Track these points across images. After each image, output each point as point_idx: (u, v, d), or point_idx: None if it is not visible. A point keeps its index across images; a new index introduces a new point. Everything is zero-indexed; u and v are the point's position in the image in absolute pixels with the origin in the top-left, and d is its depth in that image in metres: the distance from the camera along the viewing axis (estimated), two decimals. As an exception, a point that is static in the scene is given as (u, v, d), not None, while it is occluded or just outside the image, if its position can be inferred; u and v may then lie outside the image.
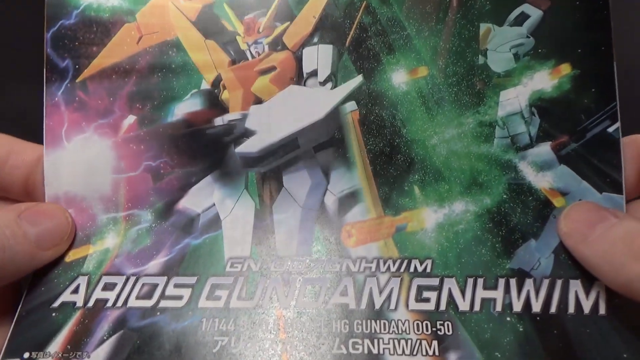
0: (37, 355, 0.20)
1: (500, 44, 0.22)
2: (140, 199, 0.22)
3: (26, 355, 0.20)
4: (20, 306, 0.21)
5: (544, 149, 0.21)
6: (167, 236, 0.22)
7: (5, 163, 0.22)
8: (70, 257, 0.21)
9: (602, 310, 0.19)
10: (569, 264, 0.20)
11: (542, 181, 0.21)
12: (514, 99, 0.22)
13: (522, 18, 0.22)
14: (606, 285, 0.19)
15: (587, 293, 0.20)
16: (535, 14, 0.22)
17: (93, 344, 0.20)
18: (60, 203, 0.22)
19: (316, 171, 0.22)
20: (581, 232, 0.19)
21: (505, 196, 0.21)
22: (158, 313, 0.21)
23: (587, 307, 0.20)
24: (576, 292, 0.20)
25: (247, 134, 0.22)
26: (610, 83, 0.21)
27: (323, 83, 0.23)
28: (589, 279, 0.20)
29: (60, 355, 0.20)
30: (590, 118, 0.21)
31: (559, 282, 0.20)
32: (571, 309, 0.20)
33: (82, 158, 0.22)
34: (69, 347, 0.20)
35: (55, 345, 0.20)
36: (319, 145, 0.22)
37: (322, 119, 0.22)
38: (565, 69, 0.22)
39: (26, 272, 0.21)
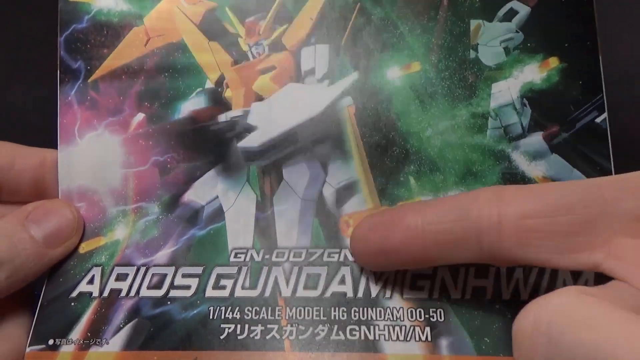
0: (60, 342, 0.21)
1: (491, 38, 0.23)
2: (148, 192, 0.23)
3: (50, 342, 0.21)
4: (42, 296, 0.22)
5: (536, 139, 0.22)
6: (174, 228, 0.23)
7: (11, 168, 0.23)
8: (83, 248, 0.23)
9: None
10: None
11: (535, 170, 0.22)
12: (505, 90, 0.22)
13: (511, 14, 0.23)
14: None
15: (576, 280, 0.20)
16: (523, 10, 0.23)
17: (111, 331, 0.21)
18: (73, 197, 0.23)
19: (314, 164, 0.23)
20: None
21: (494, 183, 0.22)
22: (168, 302, 0.22)
23: None
24: (564, 280, 0.20)
25: (249, 129, 0.23)
26: (596, 75, 0.22)
27: (320, 80, 0.24)
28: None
29: (81, 342, 0.21)
30: (578, 109, 0.22)
31: (547, 271, 0.21)
32: None
33: (93, 154, 0.23)
34: (89, 334, 0.21)
35: (77, 333, 0.21)
36: (317, 139, 0.23)
37: (319, 114, 0.23)
38: (554, 62, 0.22)
39: (41, 271, 0.22)
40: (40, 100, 0.29)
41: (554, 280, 0.20)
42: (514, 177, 0.22)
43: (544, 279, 0.20)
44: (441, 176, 0.22)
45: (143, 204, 0.23)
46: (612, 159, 0.21)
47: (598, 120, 0.22)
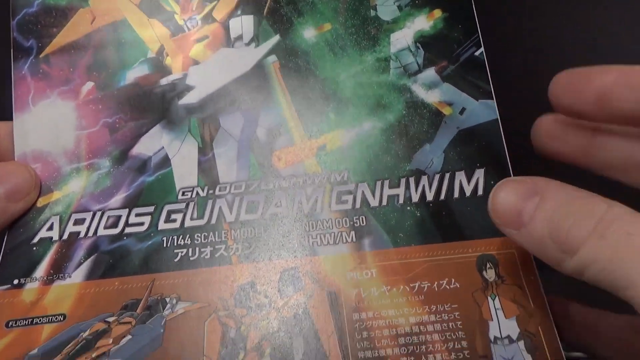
0: (25, 280, 0.23)
1: (386, 0, 0.28)
2: (99, 150, 0.26)
3: (15, 281, 0.23)
4: (3, 245, 0.24)
5: (430, 73, 0.26)
6: (125, 177, 0.25)
7: None
8: (40, 202, 0.25)
9: (480, 192, 0.24)
10: (456, 160, 0.25)
11: (431, 97, 0.26)
12: (402, 38, 0.27)
13: (399, -22, 0.28)
14: None
15: (469, 180, 0.24)
16: (408, -28, 0.28)
17: (72, 266, 0.23)
18: (28, 160, 0.25)
19: (248, 113, 0.26)
20: (510, 225, 0.19)
21: (404, 112, 0.26)
22: (125, 237, 0.24)
23: (468, 191, 0.24)
24: (460, 181, 0.24)
25: (188, 88, 0.27)
26: (472, 20, 0.27)
27: (248, 44, 0.27)
28: (471, 169, 0.24)
29: (45, 278, 0.23)
30: (460, 46, 0.26)
31: (447, 175, 0.25)
32: (456, 194, 0.24)
33: (47, 119, 0.26)
34: (51, 271, 0.23)
35: (40, 271, 0.23)
36: (248, 91, 0.27)
37: (249, 71, 0.27)
38: (438, 13, 0.27)
39: (4, 224, 0.24)
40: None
41: (452, 182, 0.24)
42: (416, 105, 0.26)
43: (444, 182, 0.24)
44: (356, 110, 0.26)
45: (95, 160, 0.26)
46: (490, 82, 0.26)
47: (477, 53, 0.26)
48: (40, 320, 0.22)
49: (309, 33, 0.27)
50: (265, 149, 0.26)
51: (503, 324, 0.21)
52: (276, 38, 0.27)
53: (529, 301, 0.22)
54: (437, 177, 0.25)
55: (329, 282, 0.23)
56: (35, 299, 0.23)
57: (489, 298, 0.22)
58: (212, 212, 0.24)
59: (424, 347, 0.21)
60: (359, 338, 0.21)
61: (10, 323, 0.22)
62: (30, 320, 0.22)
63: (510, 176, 0.24)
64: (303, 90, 0.26)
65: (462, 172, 0.24)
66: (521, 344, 0.21)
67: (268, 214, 0.24)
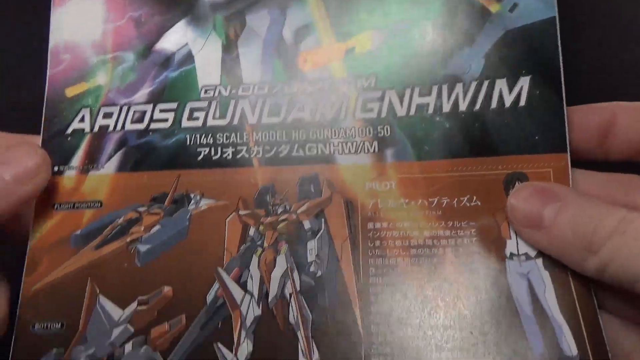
0: (63, 168, 0.25)
1: None
2: (124, 44, 0.26)
3: (55, 168, 0.25)
4: (41, 134, 0.25)
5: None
6: (148, 71, 0.25)
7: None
8: (70, 93, 0.25)
9: (522, 102, 0.22)
10: (498, 65, 0.23)
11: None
12: None
13: None
14: None
15: (511, 89, 0.23)
16: None
17: (104, 158, 0.25)
18: (60, 50, 0.26)
19: (275, 10, 0.25)
20: (530, 225, 0.20)
21: (443, 8, 0.24)
22: (150, 133, 0.25)
23: (508, 101, 0.23)
24: (500, 89, 0.23)
25: (214, -17, 0.25)
26: None
27: None
28: (515, 77, 0.23)
29: (81, 167, 0.25)
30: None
31: (485, 83, 0.23)
32: (494, 104, 0.23)
33: (78, 12, 0.26)
34: (86, 161, 0.25)
35: (76, 161, 0.25)
36: (277, -11, 0.25)
37: (278, -34, 0.25)
38: None
39: (14, 206, 0.23)
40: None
41: (490, 91, 0.23)
42: (458, 0, 0.24)
43: (481, 91, 0.23)
44: (389, 7, 0.24)
45: (120, 53, 0.25)
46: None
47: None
48: (80, 205, 0.24)
49: None
50: (291, 49, 0.25)
51: (522, 242, 0.21)
52: None
53: None
54: (473, 84, 0.23)
55: (347, 190, 0.23)
56: (75, 186, 0.24)
57: None
58: (234, 112, 0.25)
59: (435, 258, 0.22)
60: (371, 246, 0.22)
61: (57, 205, 0.24)
62: (72, 204, 0.24)
63: (561, 86, 0.22)
64: (334, -12, 0.25)
65: (504, 80, 0.23)
66: (539, 261, 0.21)
67: (290, 118, 0.24)
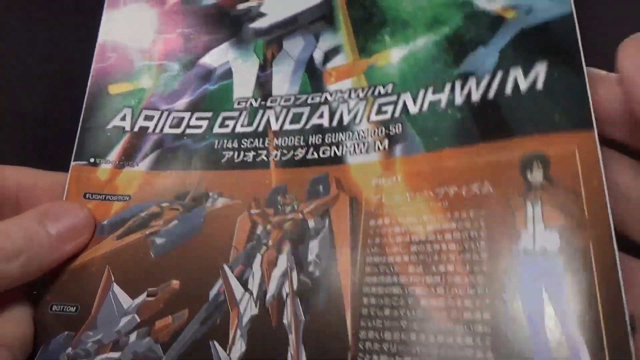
0: (100, 161, 0.27)
1: None
2: (171, 54, 0.29)
3: (92, 159, 0.27)
4: (80, 125, 0.27)
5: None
6: (190, 83, 0.28)
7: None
8: (113, 90, 0.28)
9: (539, 86, 0.21)
10: (512, 57, 0.22)
11: (494, 5, 0.24)
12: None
13: None
14: None
15: (526, 75, 0.21)
16: None
17: (140, 157, 0.27)
18: (107, 47, 0.29)
19: (309, 35, 0.27)
20: None
21: (461, 24, 0.24)
22: (185, 137, 0.27)
23: (524, 86, 0.21)
24: (515, 77, 0.22)
25: (261, 15, 0.28)
26: None
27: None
28: (530, 63, 0.21)
29: (117, 162, 0.27)
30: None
31: (499, 73, 0.22)
32: (508, 90, 0.21)
33: (132, 18, 0.29)
34: (122, 157, 0.27)
35: (113, 155, 0.27)
36: (313, 20, 0.27)
37: (319, 3, 0.28)
38: None
39: (52, 265, 0.23)
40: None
41: (504, 79, 0.22)
42: (475, 14, 0.24)
43: (494, 80, 0.22)
44: (412, 30, 0.25)
45: (166, 62, 0.28)
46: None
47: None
48: (110, 198, 0.26)
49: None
50: (319, 67, 0.26)
51: (539, 235, 0.18)
52: (344, -31, 0.27)
53: (584, 210, 0.18)
54: (487, 76, 0.22)
55: (355, 188, 0.23)
56: (109, 179, 0.27)
57: (528, 203, 0.19)
58: (260, 120, 0.26)
59: (436, 256, 0.20)
60: (370, 243, 0.21)
61: (88, 195, 0.26)
62: (103, 196, 0.26)
63: (582, 64, 0.20)
64: (364, 17, 0.26)
65: (519, 68, 0.21)
66: (560, 261, 0.18)
67: (310, 125, 0.25)
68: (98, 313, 0.23)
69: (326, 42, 0.27)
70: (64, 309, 0.24)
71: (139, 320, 0.23)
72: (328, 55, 0.26)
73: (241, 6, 0.29)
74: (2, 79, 0.34)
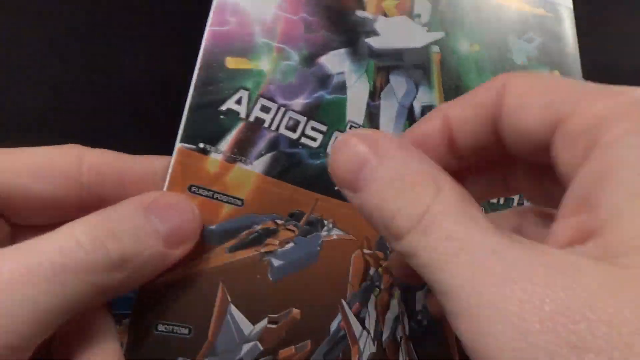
0: (210, 148, 0.21)
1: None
2: (291, 39, 0.24)
3: (201, 145, 0.21)
4: (189, 100, 0.21)
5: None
6: (308, 82, 0.25)
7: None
8: (231, 64, 0.22)
9: None
10: None
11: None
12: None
13: None
14: None
15: None
16: None
17: (254, 154, 0.22)
18: (227, 9, 0.23)
19: (411, 82, 0.29)
20: (347, 187, 0.16)
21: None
22: (300, 146, 0.24)
23: None
24: None
25: (374, 32, 0.28)
26: None
27: (423, 25, 0.30)
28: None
29: (229, 154, 0.21)
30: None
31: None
32: None
33: None
34: (235, 150, 0.22)
35: (225, 145, 0.21)
36: (415, 65, 0.29)
37: (419, 48, 0.29)
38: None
39: (155, 274, 0.19)
40: None
41: None
42: None
43: None
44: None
45: (286, 47, 0.24)
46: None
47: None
48: (220, 197, 0.21)
49: (463, 46, 0.31)
50: (418, 118, 0.29)
51: None
52: (441, 34, 0.30)
53: None
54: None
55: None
56: (219, 173, 0.21)
57: None
58: (370, 156, 0.26)
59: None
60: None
61: (194, 188, 0.20)
62: (212, 193, 0.20)
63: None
64: (452, 87, 0.30)
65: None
66: None
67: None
68: (216, 338, 0.19)
69: (424, 96, 0.29)
70: (174, 330, 0.18)
71: (262, 348, 0.20)
72: (424, 112, 0.29)
73: (360, 13, 0.27)
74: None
